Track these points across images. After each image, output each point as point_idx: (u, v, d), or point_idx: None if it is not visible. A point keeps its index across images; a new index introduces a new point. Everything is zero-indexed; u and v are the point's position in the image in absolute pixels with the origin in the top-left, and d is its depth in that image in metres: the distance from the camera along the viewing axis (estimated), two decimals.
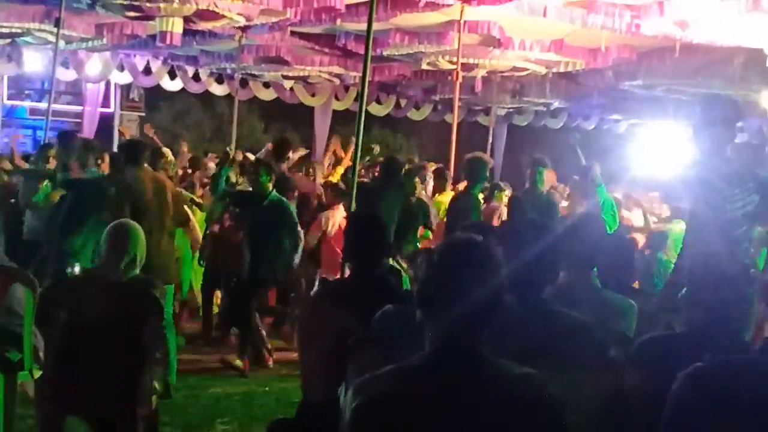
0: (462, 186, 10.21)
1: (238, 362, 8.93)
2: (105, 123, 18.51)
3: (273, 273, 9.21)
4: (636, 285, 7.07)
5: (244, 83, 16.74)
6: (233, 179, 10.27)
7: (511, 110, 19.79)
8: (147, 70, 16.70)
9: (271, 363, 9.30)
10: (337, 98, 18.58)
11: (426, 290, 2.56)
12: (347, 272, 5.94)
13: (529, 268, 3.35)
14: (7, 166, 11.22)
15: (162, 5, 10.04)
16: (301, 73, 15.85)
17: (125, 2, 10.22)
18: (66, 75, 16.39)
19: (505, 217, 9.90)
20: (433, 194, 11.88)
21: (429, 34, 11.87)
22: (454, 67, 11.05)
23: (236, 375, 8.87)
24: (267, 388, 8.50)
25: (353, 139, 8.21)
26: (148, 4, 10.13)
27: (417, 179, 10.69)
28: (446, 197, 10.87)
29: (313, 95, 18.17)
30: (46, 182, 9.49)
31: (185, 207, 9.53)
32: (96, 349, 5.09)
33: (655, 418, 2.32)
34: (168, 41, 10.57)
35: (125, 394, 5.17)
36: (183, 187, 11.09)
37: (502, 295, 2.54)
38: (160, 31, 10.54)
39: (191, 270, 10.71)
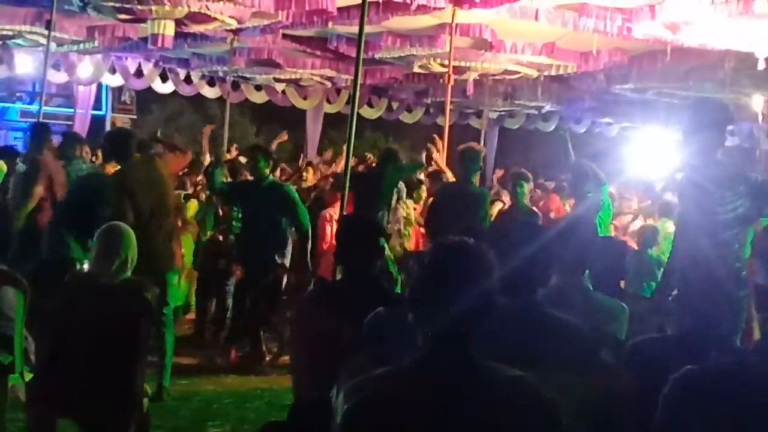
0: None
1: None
2: (96, 125, 18.50)
3: (270, 261, 9.15)
4: (622, 284, 7.09)
5: (235, 86, 16.75)
6: (223, 179, 10.25)
7: (502, 113, 19.83)
8: (138, 73, 16.70)
9: (267, 359, 9.29)
10: (328, 101, 18.60)
11: (417, 292, 2.56)
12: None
13: (520, 271, 3.35)
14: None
15: (154, 8, 10.03)
16: (293, 76, 15.86)
17: (117, 5, 10.21)
18: (57, 77, 16.36)
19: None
20: (429, 197, 11.90)
21: (421, 37, 11.89)
22: (446, 70, 11.05)
23: (228, 377, 8.85)
24: (259, 391, 8.48)
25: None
26: (139, 7, 10.11)
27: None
28: None
29: (304, 98, 18.18)
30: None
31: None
32: (87, 351, 5.08)
33: (646, 421, 2.32)
34: (160, 44, 10.57)
35: (116, 396, 5.16)
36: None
37: (493, 297, 2.54)
38: (152, 34, 10.54)
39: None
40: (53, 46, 11.93)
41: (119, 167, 8.21)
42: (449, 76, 10.82)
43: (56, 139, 10.65)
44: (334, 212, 10.22)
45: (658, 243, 9.16)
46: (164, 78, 17.13)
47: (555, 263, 3.80)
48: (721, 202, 5.82)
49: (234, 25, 11.01)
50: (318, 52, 13.96)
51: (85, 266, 7.66)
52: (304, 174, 12.38)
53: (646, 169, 12.72)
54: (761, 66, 9.77)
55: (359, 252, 4.56)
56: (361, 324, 3.72)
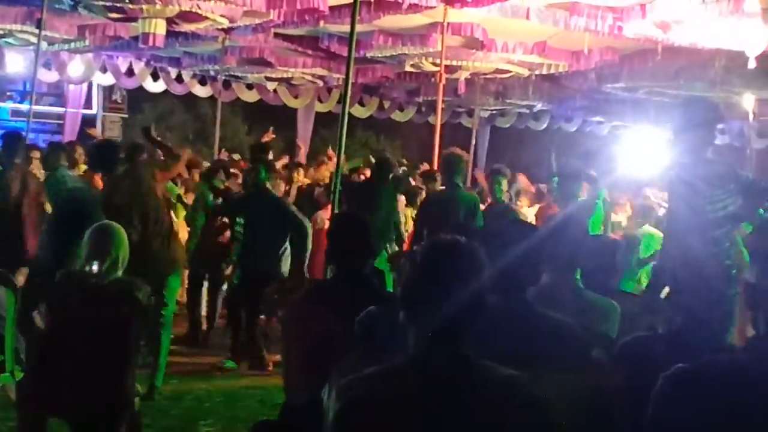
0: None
1: (229, 363, 9.00)
2: (87, 124, 18.43)
3: (270, 270, 9.17)
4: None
5: (227, 85, 16.74)
6: (220, 185, 10.23)
7: (494, 112, 19.84)
8: (129, 72, 16.68)
9: (270, 367, 9.04)
10: (320, 100, 18.60)
11: (409, 291, 2.56)
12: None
13: (512, 270, 3.35)
14: None
15: (145, 7, 10.02)
16: (284, 75, 15.86)
17: (108, 3, 10.19)
18: (48, 76, 16.34)
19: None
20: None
21: (412, 36, 11.89)
22: (438, 68, 11.07)
23: (219, 377, 8.85)
24: (250, 390, 8.47)
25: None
26: (130, 6, 10.10)
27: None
28: None
29: (296, 97, 18.18)
30: None
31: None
32: (78, 351, 5.07)
33: (637, 419, 2.33)
34: (151, 43, 10.56)
35: (107, 396, 5.15)
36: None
37: (485, 296, 2.54)
38: (143, 33, 10.53)
39: None
40: (44, 44, 11.91)
41: (105, 179, 8.25)
42: (441, 75, 10.83)
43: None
44: (325, 215, 10.26)
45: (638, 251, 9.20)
46: (155, 77, 17.11)
47: (546, 262, 3.80)
48: (712, 200, 5.84)
49: (225, 24, 11.00)
50: (309, 51, 13.97)
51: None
52: (295, 175, 12.37)
53: (637, 167, 12.74)
54: (751, 65, 9.80)
55: (351, 251, 4.56)
56: (352, 323, 3.72)
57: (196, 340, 10.27)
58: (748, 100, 14.75)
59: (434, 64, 12.27)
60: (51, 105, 19.46)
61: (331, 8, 10.34)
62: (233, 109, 22.82)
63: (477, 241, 2.69)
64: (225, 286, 10.41)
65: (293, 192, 11.53)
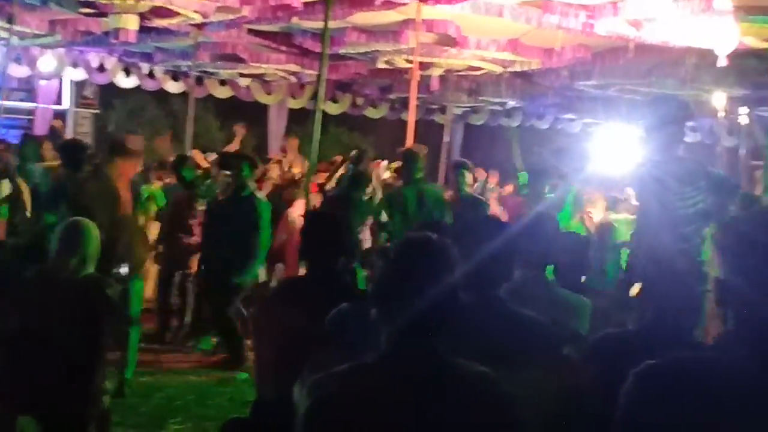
0: None
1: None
2: (59, 120, 18.31)
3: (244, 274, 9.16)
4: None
5: (199, 81, 16.66)
6: (190, 175, 10.17)
7: (467, 109, 19.86)
8: (101, 67, 16.56)
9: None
10: (293, 96, 18.54)
11: (381, 288, 2.56)
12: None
13: (484, 266, 3.36)
14: None
15: (116, 2, 9.96)
16: (257, 71, 15.81)
17: None
18: (18, 71, 16.18)
19: None
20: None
21: (385, 32, 11.88)
22: (411, 65, 11.07)
23: (189, 374, 8.82)
24: (220, 388, 8.45)
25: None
26: (102, 1, 10.05)
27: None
28: None
29: (269, 93, 18.12)
30: None
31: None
32: (46, 348, 5.04)
33: (608, 415, 2.34)
34: (123, 38, 10.48)
35: (76, 393, 5.12)
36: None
37: (457, 293, 2.54)
38: (115, 28, 10.45)
39: None
40: (15, 39, 11.80)
41: (69, 178, 8.21)
42: (414, 71, 10.83)
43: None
44: (295, 212, 10.26)
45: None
46: (127, 72, 17.00)
47: (518, 258, 3.81)
48: (682, 197, 5.89)
49: (198, 19, 10.95)
50: (283, 48, 13.92)
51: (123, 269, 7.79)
52: (268, 173, 12.34)
53: (609, 164, 12.80)
54: (722, 63, 9.86)
55: (323, 248, 4.55)
56: (324, 320, 3.71)
57: (164, 338, 10.22)
58: (718, 98, 14.84)
59: (407, 60, 12.27)
60: (21, 100, 19.28)
61: (305, 4, 10.31)
62: (206, 105, 22.69)
63: (449, 238, 2.70)
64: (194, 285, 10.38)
65: (267, 188, 11.51)
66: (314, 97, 7.16)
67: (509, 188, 15.77)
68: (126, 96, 22.25)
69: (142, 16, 10.48)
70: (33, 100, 18.38)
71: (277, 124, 18.80)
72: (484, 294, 3.40)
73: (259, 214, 9.01)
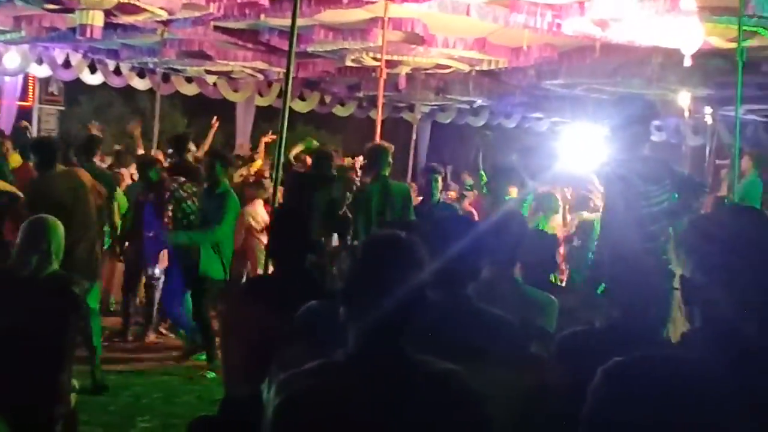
0: None
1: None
2: (23, 117, 18.13)
3: (224, 270, 9.11)
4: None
5: (166, 78, 16.57)
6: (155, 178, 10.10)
7: (434, 107, 19.90)
8: (66, 64, 16.43)
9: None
10: (260, 94, 18.50)
11: (349, 286, 2.56)
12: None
13: (452, 265, 3.37)
14: None
15: None
16: (224, 69, 15.75)
17: None
18: None
19: None
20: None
21: (353, 30, 11.88)
22: (379, 63, 11.07)
23: (157, 372, 8.78)
24: (189, 386, 8.42)
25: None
26: None
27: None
28: None
29: (236, 91, 18.07)
30: None
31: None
32: (11, 347, 5.00)
33: (575, 413, 2.35)
34: (88, 34, 10.40)
35: (43, 392, 5.09)
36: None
37: (425, 291, 2.55)
38: (81, 24, 10.36)
39: None
40: None
41: (42, 175, 8.13)
42: (381, 69, 10.83)
43: None
44: (252, 210, 10.22)
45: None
46: (93, 69, 16.88)
47: (486, 257, 3.82)
48: (647, 195, 5.93)
49: (164, 16, 10.90)
50: (250, 45, 13.88)
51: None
52: (243, 170, 12.30)
53: (576, 163, 12.86)
54: (687, 63, 9.94)
55: (291, 245, 4.55)
56: (292, 317, 3.71)
57: (131, 335, 10.16)
58: (683, 98, 14.97)
59: (375, 59, 12.26)
60: None
61: (272, 2, 10.29)
62: (172, 103, 22.60)
63: (417, 236, 2.70)
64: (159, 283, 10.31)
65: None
66: (282, 94, 7.13)
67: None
68: (91, 92, 22.11)
69: (108, 13, 10.41)
70: None
71: (244, 122, 18.75)
72: (451, 292, 3.41)
73: (224, 210, 8.96)
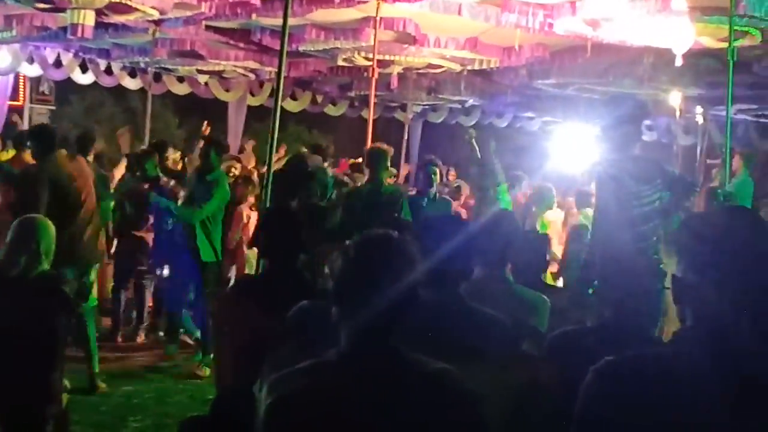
0: None
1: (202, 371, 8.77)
2: (15, 116, 18.10)
3: (216, 253, 9.10)
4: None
5: (157, 77, 16.54)
6: (153, 172, 10.09)
7: (426, 107, 19.90)
8: (57, 63, 16.38)
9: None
10: (251, 94, 18.47)
11: (342, 286, 2.56)
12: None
13: (444, 265, 3.37)
14: None
15: None
16: (216, 68, 15.73)
17: None
18: None
19: None
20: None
21: (345, 30, 11.87)
22: (370, 63, 11.06)
23: (149, 372, 8.77)
24: (180, 386, 8.41)
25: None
26: None
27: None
28: None
29: (227, 90, 18.04)
30: None
31: None
32: (1, 347, 4.99)
33: (567, 412, 2.36)
34: (79, 34, 10.37)
35: (34, 392, 5.08)
36: None
37: (417, 290, 2.55)
38: (72, 24, 10.34)
39: None
40: None
41: (44, 160, 8.10)
42: (373, 69, 10.82)
43: None
44: (245, 209, 10.22)
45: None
46: (84, 68, 16.83)
47: (477, 256, 3.83)
48: (638, 195, 5.94)
49: (156, 15, 10.87)
50: (241, 44, 13.86)
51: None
52: (232, 170, 12.28)
53: (567, 162, 12.89)
54: (679, 62, 9.96)
55: (283, 245, 4.55)
56: (284, 317, 3.71)
57: (122, 336, 10.14)
58: (675, 98, 15.00)
59: (367, 58, 12.26)
60: None
61: (263, 1, 10.28)
62: (164, 102, 22.57)
63: (409, 235, 2.70)
64: (150, 283, 10.30)
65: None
66: (273, 94, 7.12)
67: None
68: (83, 92, 22.08)
69: (99, 12, 10.39)
70: None
71: (236, 122, 18.73)
72: (443, 292, 3.41)
73: (213, 193, 8.96)
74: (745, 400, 2.13)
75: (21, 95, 19.15)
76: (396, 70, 13.35)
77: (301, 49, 12.86)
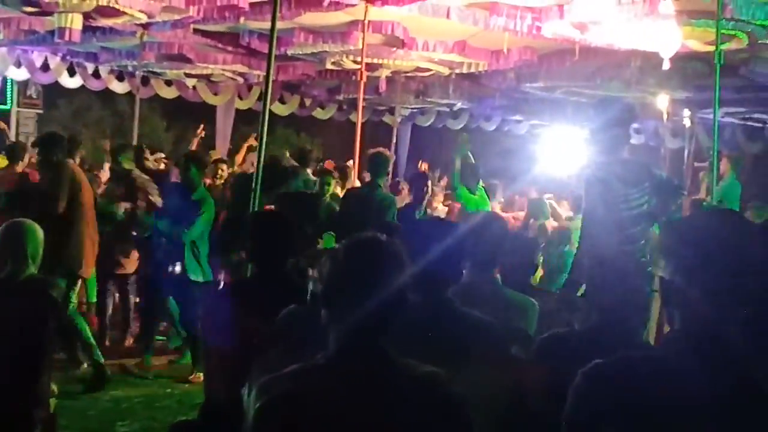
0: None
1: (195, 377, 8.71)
2: (1, 120, 18.05)
3: (203, 273, 9.05)
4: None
5: (145, 81, 16.51)
6: (127, 165, 10.08)
7: (414, 110, 19.92)
8: (45, 67, 16.33)
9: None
10: (240, 97, 18.46)
11: (330, 289, 2.56)
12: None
13: (433, 268, 3.38)
14: None
15: (61, 1, 9.82)
16: (204, 72, 15.71)
17: None
18: None
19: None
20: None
21: (333, 33, 11.87)
22: (359, 66, 11.07)
23: (137, 377, 8.75)
24: (169, 390, 8.39)
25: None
26: (46, 0, 9.91)
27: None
28: None
29: (215, 94, 18.02)
30: None
31: None
32: None
33: (556, 415, 2.36)
34: (67, 37, 10.34)
35: (22, 396, 5.06)
36: None
37: (406, 294, 2.55)
38: (59, 27, 10.31)
39: None
40: None
41: (63, 166, 8.26)
42: (362, 73, 10.83)
43: None
44: None
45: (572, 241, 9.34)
46: (71, 72, 16.79)
47: (466, 259, 3.83)
48: (626, 198, 5.96)
49: (144, 19, 10.85)
50: (230, 48, 13.84)
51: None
52: (219, 171, 12.25)
53: (555, 165, 12.92)
54: (666, 66, 9.99)
55: (272, 249, 4.54)
56: (273, 321, 3.71)
57: (109, 340, 10.10)
58: (662, 101, 15.03)
59: (355, 62, 12.26)
60: None
61: (252, 5, 10.26)
62: (152, 106, 22.52)
63: (398, 239, 2.70)
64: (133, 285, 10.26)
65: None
66: (262, 97, 7.12)
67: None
68: (70, 96, 22.03)
69: (87, 16, 10.36)
70: None
71: (224, 125, 18.70)
72: (432, 295, 3.41)
73: (199, 214, 8.93)
74: (733, 401, 2.13)
75: (8, 99, 19.10)
76: (384, 73, 13.36)
77: (289, 52, 12.86)
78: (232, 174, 12.34)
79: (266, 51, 7.44)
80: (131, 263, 10.10)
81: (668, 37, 9.67)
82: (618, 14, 9.37)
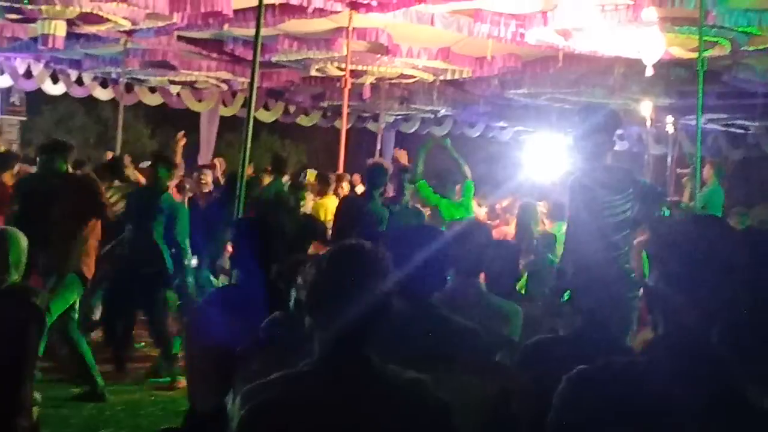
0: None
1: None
2: None
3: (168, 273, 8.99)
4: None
5: (129, 88, 16.49)
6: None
7: (399, 117, 19.95)
8: (28, 74, 16.30)
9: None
10: (224, 104, 18.47)
11: (314, 296, 2.55)
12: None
13: (417, 274, 3.37)
14: None
15: (44, 7, 9.80)
16: (188, 78, 15.71)
17: (5, 4, 9.96)
18: None
19: None
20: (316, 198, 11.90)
21: (318, 40, 11.89)
22: (343, 73, 11.09)
23: (120, 384, 8.70)
24: (153, 398, 8.35)
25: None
26: (29, 7, 9.88)
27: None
28: (329, 200, 10.92)
29: (200, 101, 18.02)
30: None
31: None
32: None
33: (540, 421, 2.36)
34: (50, 44, 10.33)
35: (4, 404, 5.02)
36: None
37: (390, 300, 2.55)
38: (42, 34, 10.29)
39: None
40: None
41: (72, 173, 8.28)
42: (346, 79, 10.84)
43: None
44: None
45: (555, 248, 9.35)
46: (55, 79, 16.76)
47: (451, 266, 3.83)
48: (610, 205, 5.96)
49: (127, 26, 10.85)
50: (214, 55, 13.85)
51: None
52: (203, 177, 12.22)
53: (538, 171, 12.95)
54: (649, 72, 10.04)
55: (255, 255, 4.53)
56: (257, 328, 3.70)
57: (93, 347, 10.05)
58: (645, 107, 15.11)
59: (339, 68, 12.29)
60: None
61: (236, 11, 10.26)
62: (135, 113, 22.51)
63: (383, 245, 2.70)
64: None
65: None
66: (246, 104, 7.12)
67: None
68: (54, 103, 21.98)
69: (70, 22, 10.35)
70: None
71: (208, 132, 18.70)
72: (416, 301, 3.41)
73: (174, 214, 8.89)
74: (716, 407, 2.14)
75: None
76: (369, 80, 13.38)
77: (273, 59, 12.88)
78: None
79: (250, 58, 7.43)
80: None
81: (651, 44, 9.72)
82: (601, 21, 9.42)
